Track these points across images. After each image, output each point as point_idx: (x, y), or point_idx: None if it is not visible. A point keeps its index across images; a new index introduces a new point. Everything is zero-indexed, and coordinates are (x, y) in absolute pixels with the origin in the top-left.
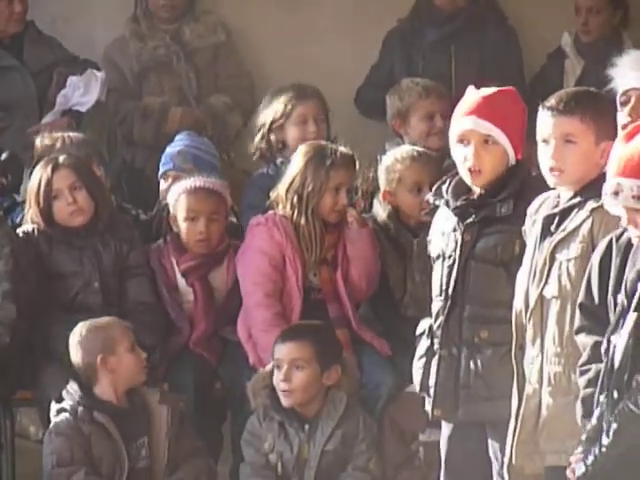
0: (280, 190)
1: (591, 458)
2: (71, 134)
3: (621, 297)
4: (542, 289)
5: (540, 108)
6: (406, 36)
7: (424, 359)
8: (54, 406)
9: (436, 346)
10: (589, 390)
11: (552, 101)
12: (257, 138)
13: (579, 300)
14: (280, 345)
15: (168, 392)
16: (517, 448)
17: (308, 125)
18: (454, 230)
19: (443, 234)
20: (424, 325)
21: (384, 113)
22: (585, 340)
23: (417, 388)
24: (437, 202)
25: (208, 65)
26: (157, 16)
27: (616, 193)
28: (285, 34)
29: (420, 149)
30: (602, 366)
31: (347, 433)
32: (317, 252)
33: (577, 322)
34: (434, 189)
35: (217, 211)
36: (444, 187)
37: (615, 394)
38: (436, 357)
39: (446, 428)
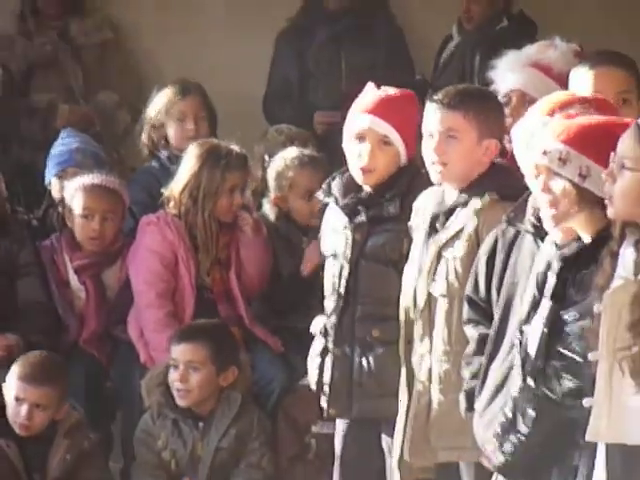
0: (174, 190)
1: (509, 447)
2: None
3: (532, 289)
4: (429, 287)
5: (428, 102)
6: (296, 36)
7: (319, 358)
8: None
9: (330, 345)
10: (472, 382)
11: (439, 95)
12: (143, 134)
13: (466, 292)
14: (176, 345)
15: (81, 423)
16: (408, 445)
17: (187, 123)
18: (344, 228)
19: (334, 232)
20: (318, 323)
21: (289, 121)
22: (472, 332)
23: (313, 387)
24: (326, 199)
25: (96, 62)
26: (44, 12)
27: (544, 153)
28: (173, 31)
29: (309, 153)
30: (516, 357)
31: (241, 431)
32: (213, 252)
33: (464, 314)
34: (323, 185)
35: (113, 210)
36: (333, 184)
37: (531, 382)
38: (330, 356)
39: (340, 424)
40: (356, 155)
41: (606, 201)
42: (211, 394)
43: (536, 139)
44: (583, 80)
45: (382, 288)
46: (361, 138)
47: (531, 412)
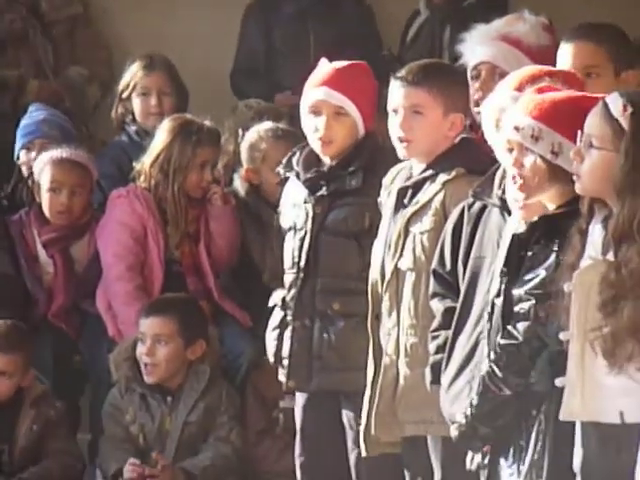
0: (145, 163)
1: (462, 418)
2: None
3: (502, 262)
4: (397, 261)
5: (392, 79)
6: (262, 11)
7: (277, 331)
8: None
9: (289, 318)
10: (438, 356)
11: (402, 72)
12: (113, 108)
13: (432, 266)
14: (144, 319)
15: (47, 393)
16: (375, 419)
17: (150, 98)
18: (305, 202)
19: (294, 206)
20: (277, 297)
21: (256, 97)
22: (438, 306)
23: (271, 359)
24: (288, 174)
25: (65, 37)
26: None
27: (517, 129)
28: (144, 6)
29: (283, 126)
30: (484, 329)
31: (210, 405)
32: (182, 226)
33: (431, 288)
34: (284, 161)
35: (81, 184)
36: (294, 159)
37: (492, 356)
38: (289, 329)
39: (300, 397)
40: (313, 128)
41: (574, 177)
42: (179, 368)
43: (508, 114)
44: (561, 54)
45: (342, 261)
46: (316, 111)
47: (479, 385)
